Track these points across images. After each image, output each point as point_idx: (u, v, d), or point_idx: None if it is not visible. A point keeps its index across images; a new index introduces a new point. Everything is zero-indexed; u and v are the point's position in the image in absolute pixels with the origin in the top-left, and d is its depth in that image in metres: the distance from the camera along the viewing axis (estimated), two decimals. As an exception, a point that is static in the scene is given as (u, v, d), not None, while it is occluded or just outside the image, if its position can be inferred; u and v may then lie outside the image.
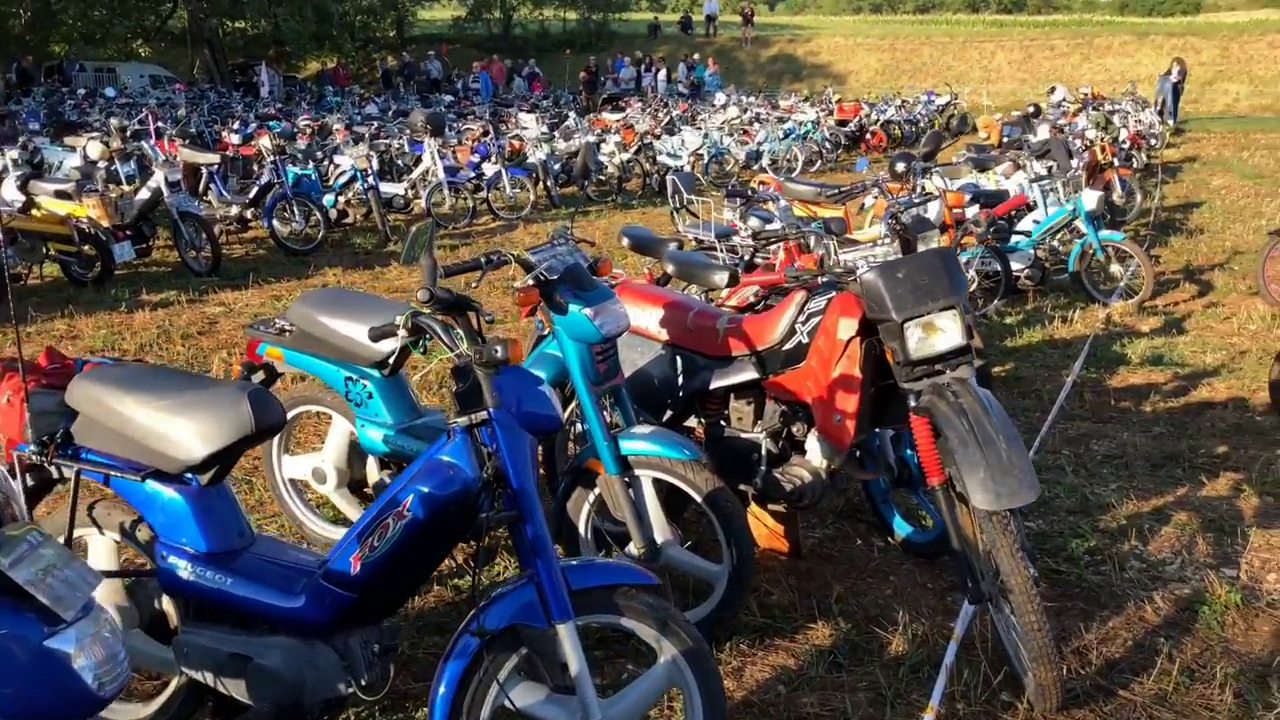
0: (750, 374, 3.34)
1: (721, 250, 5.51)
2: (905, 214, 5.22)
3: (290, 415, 3.73)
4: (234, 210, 10.39)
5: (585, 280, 3.04)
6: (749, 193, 6.64)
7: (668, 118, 20.56)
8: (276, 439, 3.80)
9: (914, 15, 61.48)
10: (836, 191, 6.87)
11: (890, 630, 3.29)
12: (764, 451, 3.34)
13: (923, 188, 7.12)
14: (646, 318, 3.51)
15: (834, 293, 3.20)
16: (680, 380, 3.47)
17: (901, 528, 3.92)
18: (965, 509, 2.91)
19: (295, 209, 10.33)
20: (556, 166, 14.86)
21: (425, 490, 2.18)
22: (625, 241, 4.76)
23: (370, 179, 11.08)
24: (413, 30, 43.38)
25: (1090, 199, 7.88)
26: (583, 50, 37.34)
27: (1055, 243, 8.50)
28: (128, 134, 12.22)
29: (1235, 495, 4.43)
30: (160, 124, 14.48)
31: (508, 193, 12.79)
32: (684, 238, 5.78)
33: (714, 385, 3.40)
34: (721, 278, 4.15)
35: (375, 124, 16.15)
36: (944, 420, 2.81)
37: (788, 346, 3.27)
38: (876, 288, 2.97)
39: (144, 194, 9.05)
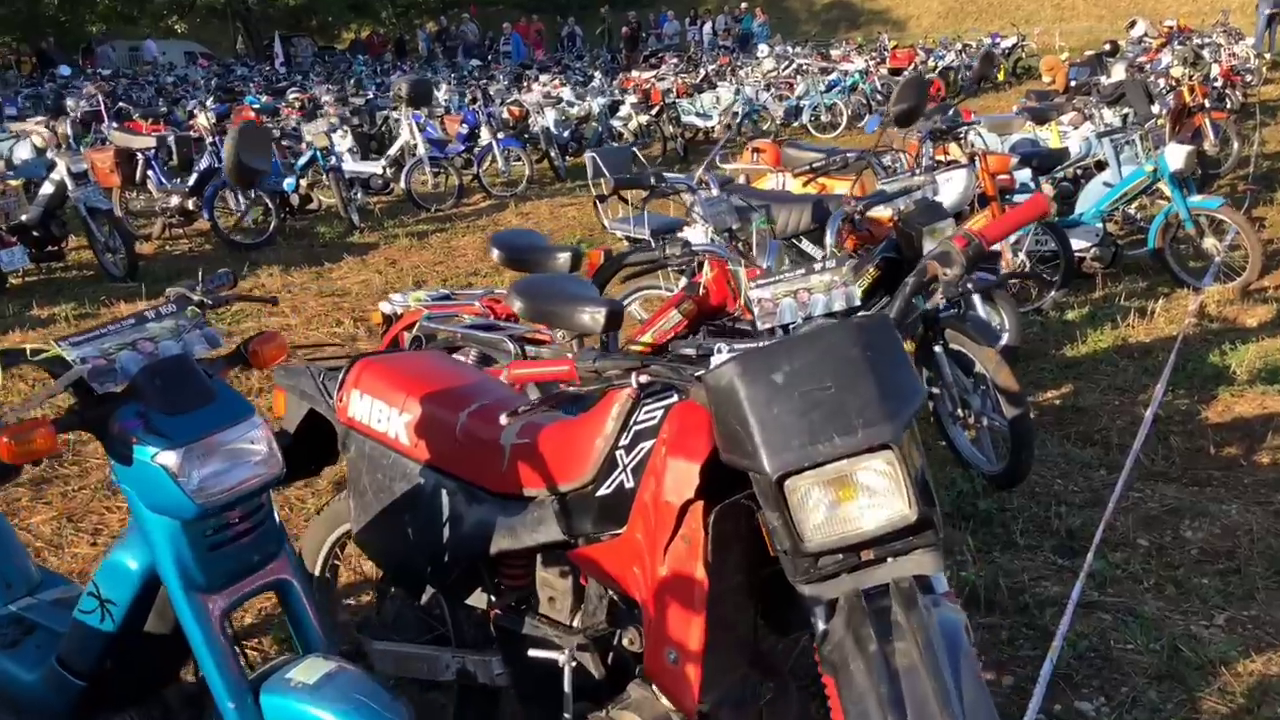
0: (552, 532, 1.86)
1: (664, 254, 3.99)
2: (903, 200, 3.68)
3: None
4: (174, 200, 9.13)
5: (189, 388, 1.60)
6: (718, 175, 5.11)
7: (701, 74, 18.96)
8: None
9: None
10: (830, 158, 5.29)
11: None
12: (568, 674, 1.85)
13: (943, 151, 5.48)
14: (393, 419, 2.05)
15: (674, 398, 1.70)
16: (447, 531, 2.00)
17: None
18: None
19: (240, 196, 9.02)
20: (565, 134, 13.36)
21: None
22: (495, 254, 3.32)
23: (333, 159, 9.71)
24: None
25: (1176, 156, 6.14)
26: (628, 7, 35.60)
27: (1132, 210, 6.79)
28: (75, 117, 11.04)
29: None
30: (125, 104, 13.32)
31: (500, 166, 11.34)
32: (613, 236, 4.29)
33: (496, 547, 1.93)
34: (593, 317, 2.68)
35: (367, 95, 14.78)
36: (848, 694, 1.33)
37: (603, 491, 1.79)
38: (731, 400, 1.48)
39: (46, 188, 7.82)
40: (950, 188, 4.70)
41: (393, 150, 11.08)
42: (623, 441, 1.74)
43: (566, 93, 14.64)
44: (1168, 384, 4.66)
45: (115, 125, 9.97)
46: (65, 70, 18.41)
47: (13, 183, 7.57)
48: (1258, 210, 8.23)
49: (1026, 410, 3.55)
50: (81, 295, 7.40)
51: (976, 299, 4.93)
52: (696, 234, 3.39)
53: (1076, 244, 6.34)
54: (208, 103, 13.36)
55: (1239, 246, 6.28)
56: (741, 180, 6.76)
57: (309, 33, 36.27)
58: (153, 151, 9.26)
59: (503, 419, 1.69)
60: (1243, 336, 5.37)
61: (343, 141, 10.91)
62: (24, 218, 7.75)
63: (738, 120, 15.32)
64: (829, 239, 3.78)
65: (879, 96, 17.38)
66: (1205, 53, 13.13)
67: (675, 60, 21.32)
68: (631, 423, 1.73)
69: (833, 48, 23.52)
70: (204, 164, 9.06)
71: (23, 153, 11.37)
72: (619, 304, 2.78)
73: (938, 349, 3.75)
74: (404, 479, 2.02)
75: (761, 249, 3.38)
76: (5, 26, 32.62)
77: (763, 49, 21.77)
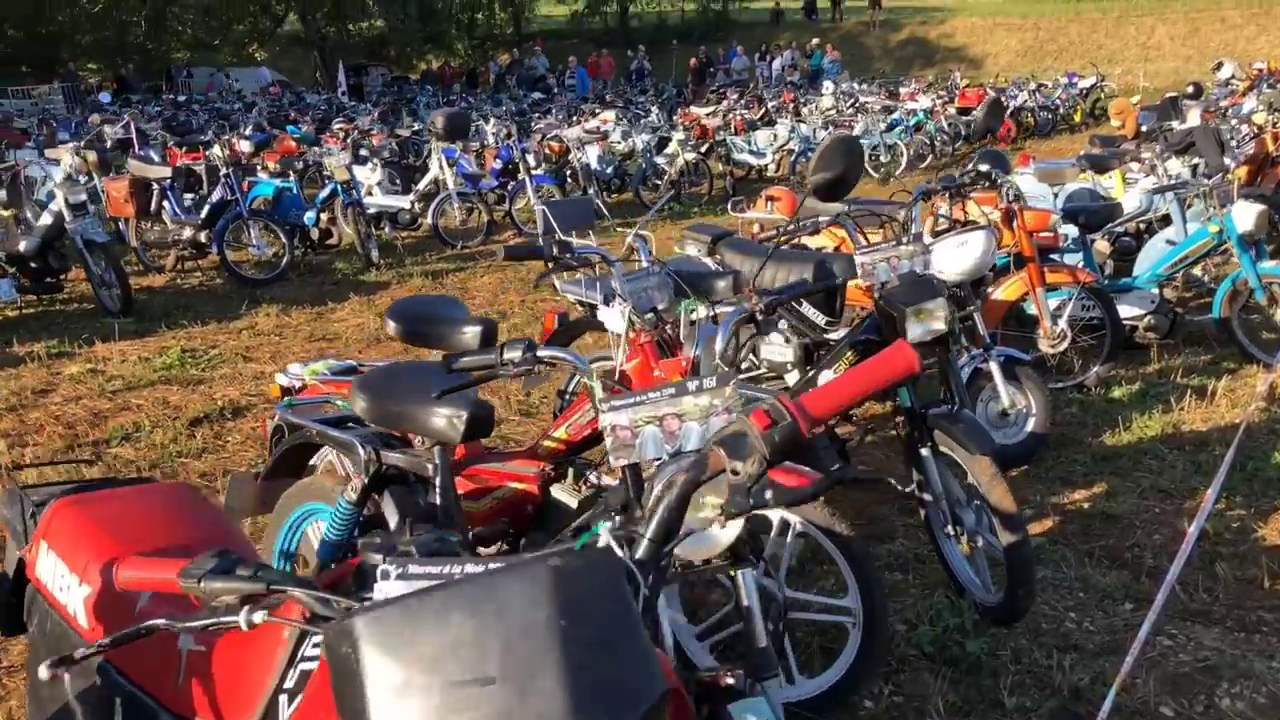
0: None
1: (628, 318, 3.44)
2: (884, 276, 3.10)
3: None
4: (187, 233, 8.85)
5: None
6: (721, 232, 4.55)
7: (762, 110, 18.43)
8: None
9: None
10: (843, 213, 4.68)
11: None
12: None
13: (961, 210, 4.83)
14: (73, 590, 1.53)
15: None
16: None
17: None
18: None
19: (252, 230, 8.71)
20: (609, 170, 12.92)
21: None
22: (390, 327, 2.83)
23: (353, 193, 9.36)
24: (531, 26, 42.29)
25: (1245, 215, 5.40)
26: (699, 41, 35.35)
27: (1197, 271, 6.05)
28: (107, 145, 10.90)
29: None
30: (163, 132, 13.22)
31: (532, 203, 10.90)
32: (565, 300, 3.76)
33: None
34: (450, 422, 2.15)
35: (413, 127, 14.51)
36: None
37: (269, 736, 1.25)
38: (349, 675, 0.92)
39: (45, 219, 7.58)
40: (961, 254, 4.08)
41: (422, 184, 10.73)
42: (287, 683, 1.20)
43: (612, 128, 14.21)
44: (1222, 488, 3.94)
45: (138, 153, 9.76)
46: (106, 97, 18.62)
47: (3, 213, 7.32)
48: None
49: (1025, 537, 2.90)
50: (66, 332, 7.09)
51: (998, 375, 4.28)
52: (611, 315, 2.84)
53: (1128, 311, 5.64)
54: (246, 131, 13.22)
55: (1318, 320, 5.53)
56: (756, 229, 6.20)
57: (386, 63, 36.67)
58: (169, 182, 9.01)
59: (180, 633, 1.16)
60: (1317, 429, 4.62)
61: (372, 175, 10.63)
62: (21, 247, 7.51)
63: (792, 158, 14.76)
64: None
65: (944, 137, 16.66)
66: (1294, 98, 12.21)
67: (737, 96, 20.83)
68: (298, 658, 1.19)
69: (902, 85, 22.80)
70: (216, 196, 8.77)
71: (56, 179, 11.26)
72: (486, 408, 2.25)
73: (924, 452, 3.13)
74: (81, 675, 1.50)
75: (691, 337, 2.81)
76: (96, 53, 33.59)
77: (827, 85, 21.15)
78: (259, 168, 9.96)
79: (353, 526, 2.42)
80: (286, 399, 2.96)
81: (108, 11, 32.20)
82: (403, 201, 10.56)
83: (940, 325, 3.02)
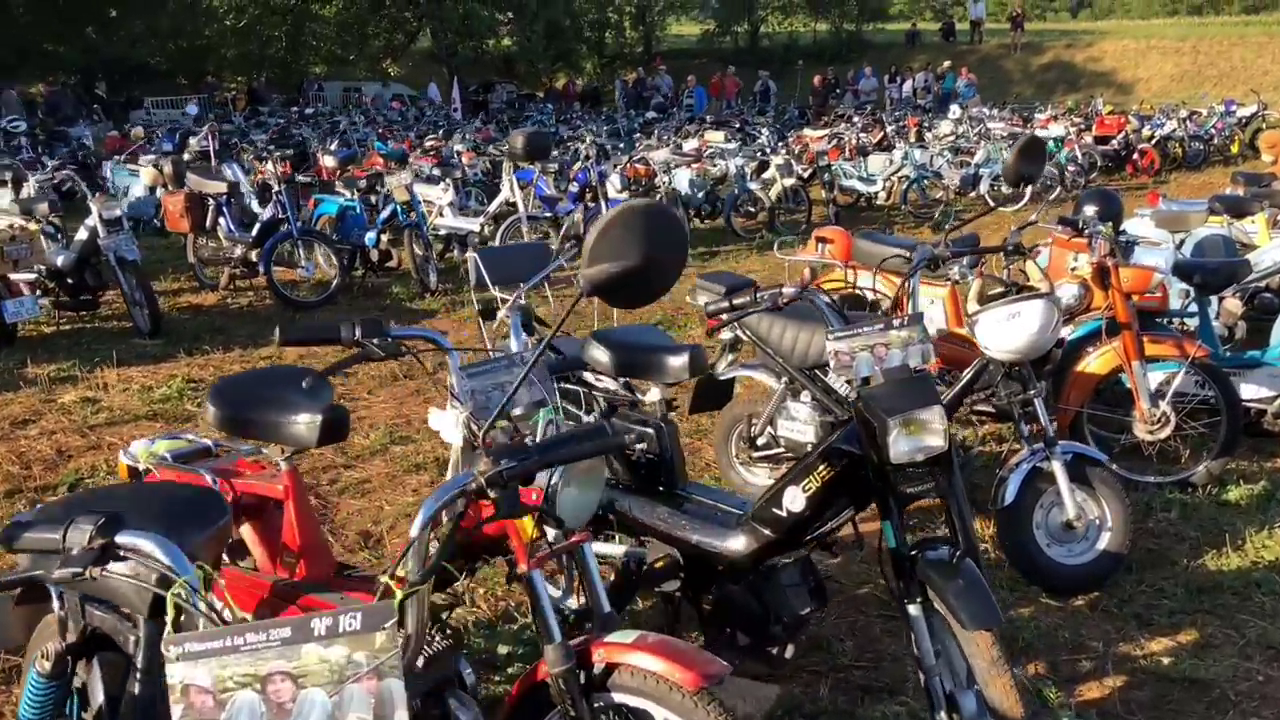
0: None
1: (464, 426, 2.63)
2: (865, 369, 2.33)
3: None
4: (238, 251, 8.54)
5: None
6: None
7: (881, 134, 17.42)
8: None
9: (1241, 16, 52.93)
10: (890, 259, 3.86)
11: None
12: None
13: (1019, 272, 3.91)
14: None
15: None
16: None
17: None
18: None
19: (303, 251, 8.33)
20: (700, 195, 12.19)
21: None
22: (210, 414, 2.22)
23: (413, 214, 8.90)
24: (661, 46, 42.03)
25: None
26: (831, 62, 34.36)
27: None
28: (184, 157, 10.77)
29: None
30: (239, 142, 13.13)
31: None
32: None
33: None
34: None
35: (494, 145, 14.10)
36: None
37: None
38: None
39: (81, 234, 7.34)
40: (1013, 330, 3.21)
41: (492, 207, 10.22)
42: None
43: (714, 150, 13.47)
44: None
45: (197, 165, 9.52)
46: (193, 109, 18.84)
47: (30, 226, 7.08)
48: None
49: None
50: (86, 353, 6.78)
51: (1062, 478, 3.40)
52: (444, 420, 2.11)
53: (1253, 391, 4.61)
54: (332, 147, 13.01)
55: None
56: (806, 275, 5.39)
57: (515, 80, 36.90)
58: (225, 198, 8.72)
59: None
60: None
61: (444, 195, 10.17)
62: (59, 262, 7.28)
63: (904, 186, 13.75)
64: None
65: (1074, 167, 15.33)
66: None
67: (857, 119, 19.83)
68: None
69: (1038, 111, 21.36)
70: (268, 215, 8.42)
71: (137, 190, 11.26)
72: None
73: (913, 610, 2.32)
74: None
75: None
76: (239, 66, 34.81)
77: (954, 110, 19.93)
78: (337, 185, 9.66)
79: (51, 708, 1.78)
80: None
81: (251, 27, 33.36)
82: (473, 224, 10.06)
83: (936, 442, 2.21)
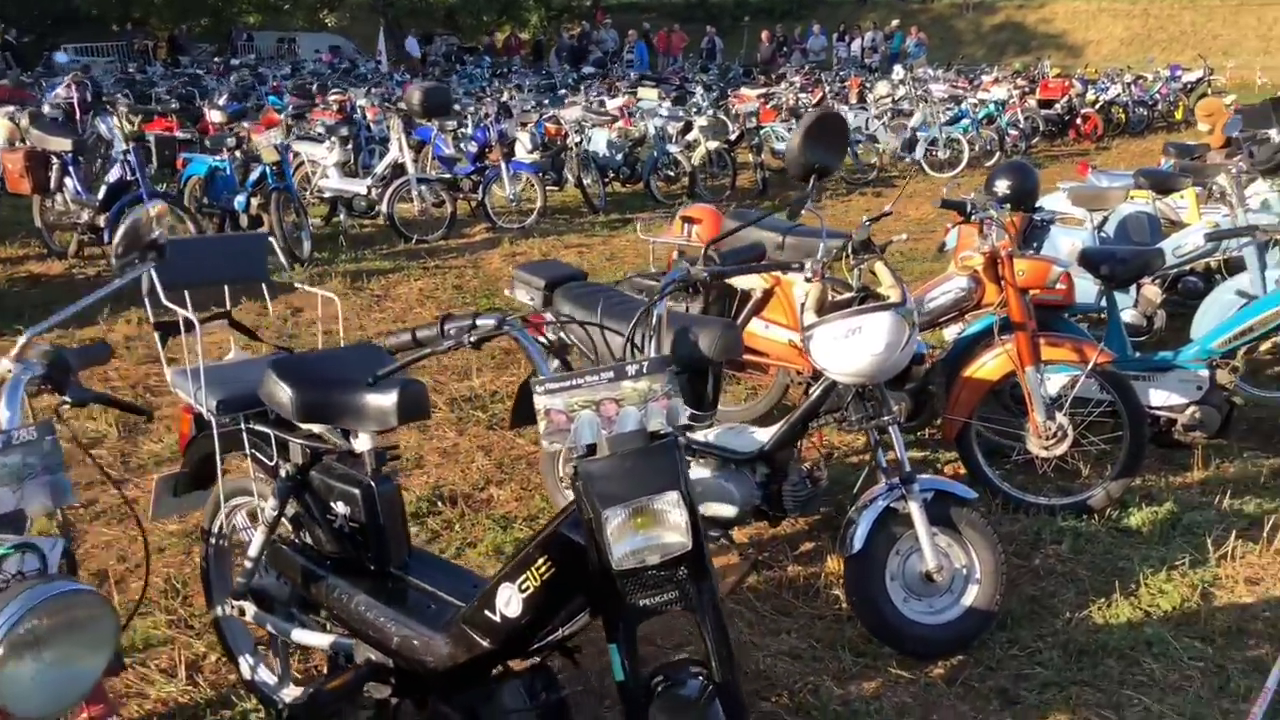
0: None
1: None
2: (588, 436, 1.67)
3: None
4: (85, 215, 7.72)
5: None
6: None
7: (819, 95, 16.74)
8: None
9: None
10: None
11: None
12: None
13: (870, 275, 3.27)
14: None
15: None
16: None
17: None
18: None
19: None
20: (619, 157, 11.45)
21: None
22: None
23: (283, 177, 8.11)
24: (610, 0, 40.92)
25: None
26: (781, 19, 33.55)
27: (1268, 348, 4.44)
28: (44, 108, 9.85)
29: None
30: (106, 94, 12.19)
31: (508, 193, 9.55)
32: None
33: None
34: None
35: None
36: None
37: None
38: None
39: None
40: (852, 349, 2.60)
41: (379, 167, 9.43)
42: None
43: (641, 108, 12.72)
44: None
45: (44, 119, 8.62)
46: (62, 57, 17.65)
47: None
48: None
49: None
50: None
51: (920, 521, 2.82)
52: None
53: (1163, 398, 4.04)
54: (220, 101, 12.08)
55: None
56: (675, 257, 4.74)
57: (459, 32, 35.69)
58: (70, 155, 7.86)
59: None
60: None
61: (329, 155, 9.39)
62: None
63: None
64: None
65: (1015, 131, 14.78)
66: None
67: (797, 79, 19.10)
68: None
69: (985, 73, 20.77)
70: (114, 175, 7.60)
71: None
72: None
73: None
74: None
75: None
76: (166, 13, 33.28)
77: (897, 70, 19.23)
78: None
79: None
80: None
81: (179, -31, 31.88)
82: (359, 186, 9.30)
83: (675, 539, 1.58)
